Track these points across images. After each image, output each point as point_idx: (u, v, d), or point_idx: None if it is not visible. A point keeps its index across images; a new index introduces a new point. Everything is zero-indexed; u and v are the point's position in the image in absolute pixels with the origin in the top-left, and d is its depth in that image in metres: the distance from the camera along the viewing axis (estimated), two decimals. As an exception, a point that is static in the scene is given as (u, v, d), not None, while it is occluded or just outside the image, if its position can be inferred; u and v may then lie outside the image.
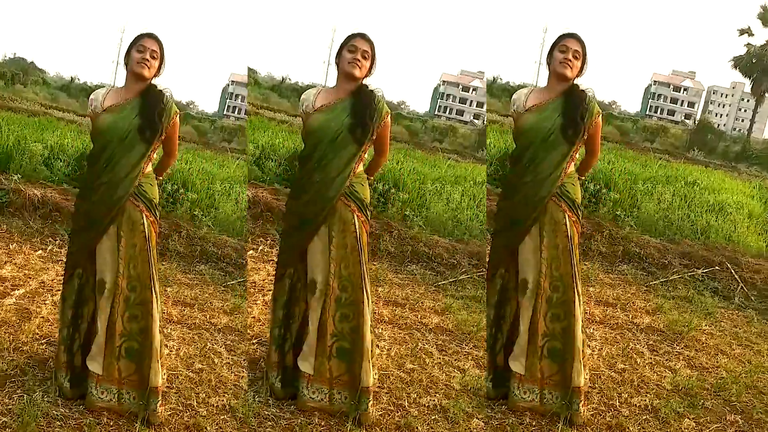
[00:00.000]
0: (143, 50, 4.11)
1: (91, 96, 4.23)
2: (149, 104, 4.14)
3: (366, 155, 4.37)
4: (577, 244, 4.41)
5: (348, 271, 4.26)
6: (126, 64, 4.18)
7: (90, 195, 4.16)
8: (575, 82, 4.38)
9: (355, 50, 4.25)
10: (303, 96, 4.40)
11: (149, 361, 4.06)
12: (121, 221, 4.08)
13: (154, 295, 4.08)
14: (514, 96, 4.52)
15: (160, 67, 4.18)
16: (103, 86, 4.26)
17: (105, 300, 4.08)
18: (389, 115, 4.36)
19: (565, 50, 4.34)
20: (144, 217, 4.11)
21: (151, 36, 4.18)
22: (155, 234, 4.21)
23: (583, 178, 4.67)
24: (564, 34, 4.40)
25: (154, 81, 4.18)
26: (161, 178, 4.47)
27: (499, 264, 4.49)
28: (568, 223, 4.36)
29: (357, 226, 4.26)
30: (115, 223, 4.08)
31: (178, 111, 4.23)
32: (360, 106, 4.28)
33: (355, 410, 4.21)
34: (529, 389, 4.44)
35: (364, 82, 4.32)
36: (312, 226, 4.27)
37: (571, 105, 4.35)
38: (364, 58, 4.26)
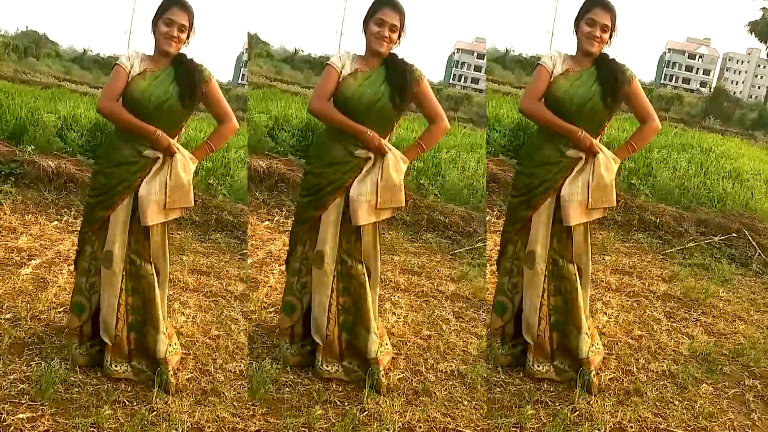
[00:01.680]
0: (170, 24, 3.99)
1: (122, 57, 4.03)
2: (185, 71, 4.05)
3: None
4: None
5: (349, 245, 4.26)
6: (153, 32, 4.06)
7: (113, 163, 4.04)
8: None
9: (382, 24, 4.11)
10: (336, 55, 4.23)
11: (154, 332, 4.08)
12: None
13: (154, 268, 4.11)
14: (551, 53, 4.30)
15: (188, 37, 4.08)
16: (116, 57, 4.16)
17: (111, 272, 4.07)
18: (424, 79, 4.26)
19: (592, 24, 4.16)
20: None
21: (179, 5, 4.03)
22: None
23: (637, 149, 4.55)
24: (593, 1, 4.19)
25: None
26: (220, 147, 4.42)
27: (512, 233, 4.44)
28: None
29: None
30: (131, 195, 4.05)
31: (211, 75, 4.15)
32: (396, 73, 4.16)
33: (370, 378, 4.21)
34: (541, 362, 4.44)
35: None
36: (328, 196, 4.22)
37: (606, 71, 4.20)
38: (392, 31, 4.13)
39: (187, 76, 4.05)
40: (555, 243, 4.34)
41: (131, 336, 4.14)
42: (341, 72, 4.16)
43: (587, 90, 4.18)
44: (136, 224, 4.05)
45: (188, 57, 4.11)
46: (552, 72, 4.22)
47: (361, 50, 4.24)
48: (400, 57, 4.22)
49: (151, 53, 4.08)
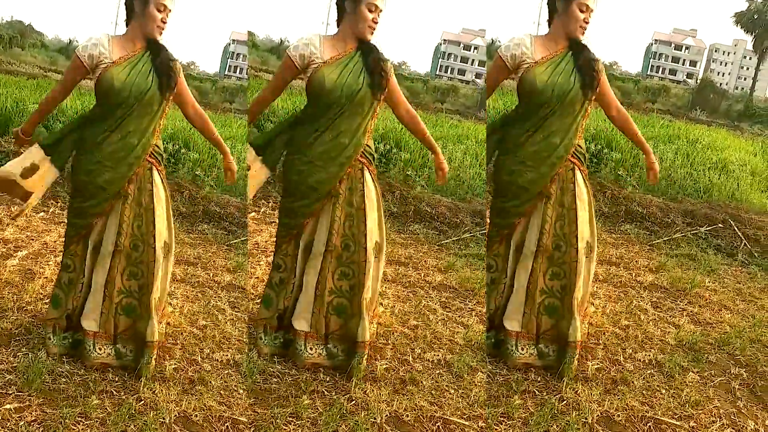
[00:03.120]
0: (163, 10, 3.91)
1: (90, 43, 3.93)
2: (161, 58, 3.96)
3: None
4: (590, 201, 4.35)
5: (352, 230, 4.22)
6: (133, 10, 3.94)
7: (97, 157, 3.98)
8: None
9: (374, 10, 4.02)
10: (302, 41, 4.08)
11: (147, 317, 4.06)
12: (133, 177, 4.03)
13: (157, 254, 4.06)
14: (515, 40, 4.20)
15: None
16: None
17: (104, 258, 4.05)
18: (393, 74, 4.21)
19: (586, 10, 4.11)
20: (156, 172, 4.07)
21: None
22: (166, 189, 4.16)
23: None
24: None
25: None
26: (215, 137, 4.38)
27: (500, 226, 4.42)
28: (579, 179, 4.29)
29: (366, 183, 4.18)
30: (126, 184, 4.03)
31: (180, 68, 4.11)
32: (372, 60, 4.07)
33: (349, 363, 4.23)
34: (526, 345, 4.44)
35: None
36: (323, 191, 4.17)
37: (584, 59, 4.15)
38: (378, 14, 4.05)
39: (166, 64, 3.97)
40: (558, 227, 4.32)
41: (120, 319, 4.11)
42: (307, 62, 4.07)
43: (568, 78, 4.14)
44: (137, 208, 4.03)
45: (163, 45, 4.01)
46: (518, 58, 4.19)
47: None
48: (374, 44, 4.13)
49: (118, 33, 4.01)
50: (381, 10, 4.05)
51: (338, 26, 4.16)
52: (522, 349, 4.44)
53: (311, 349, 4.32)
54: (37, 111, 4.30)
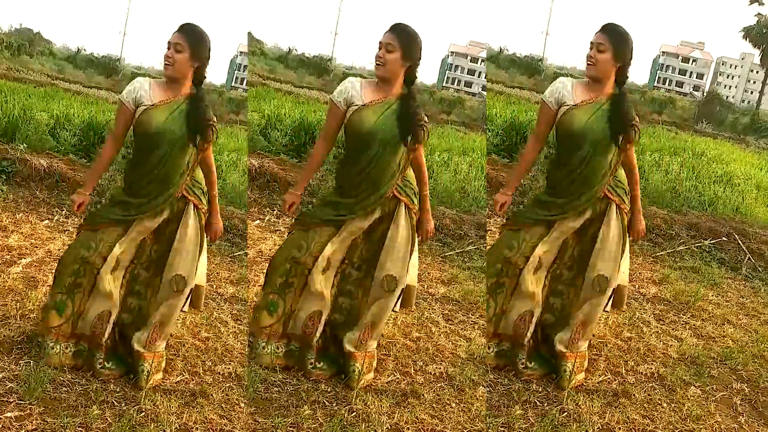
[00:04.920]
0: (168, 47, 4.00)
1: (132, 87, 4.07)
2: (198, 111, 4.06)
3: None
4: (621, 238, 4.37)
5: (369, 253, 4.32)
6: None
7: (135, 192, 4.08)
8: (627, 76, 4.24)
9: (380, 47, 4.13)
10: (345, 85, 4.24)
11: (135, 329, 4.13)
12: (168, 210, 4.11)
13: (162, 285, 4.11)
14: (558, 84, 4.29)
15: (197, 57, 4.03)
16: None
17: (116, 273, 4.11)
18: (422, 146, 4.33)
19: (591, 46, 4.17)
20: (192, 207, 4.14)
21: (180, 29, 4.03)
22: (201, 229, 4.22)
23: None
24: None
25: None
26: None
27: (508, 242, 4.43)
28: (613, 214, 4.32)
29: (401, 216, 4.27)
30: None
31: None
32: (408, 116, 4.17)
33: (346, 371, 4.30)
34: (527, 359, 4.50)
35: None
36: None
37: (620, 111, 4.20)
38: (387, 51, 4.10)
39: (202, 120, 4.07)
40: (576, 252, 4.38)
41: (115, 334, 4.18)
42: (348, 107, 4.18)
43: (603, 126, 4.18)
44: (156, 234, 4.12)
45: (203, 98, 4.10)
46: (558, 101, 4.25)
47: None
48: (417, 103, 4.22)
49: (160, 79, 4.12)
50: (385, 44, 4.12)
51: None
52: (529, 363, 4.50)
53: (319, 362, 4.38)
54: (93, 171, 4.34)
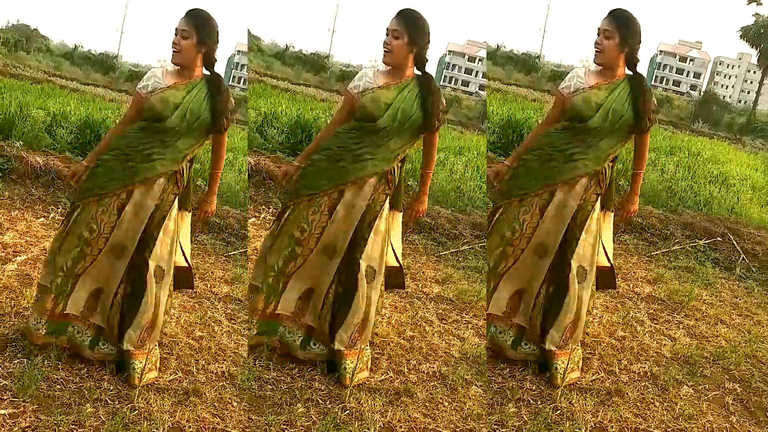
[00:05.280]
0: (175, 34, 4.03)
1: (149, 73, 4.11)
2: (220, 94, 4.11)
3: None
4: (600, 229, 4.41)
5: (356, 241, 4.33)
6: None
7: (129, 157, 4.06)
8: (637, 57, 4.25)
9: (387, 33, 4.17)
10: (359, 75, 4.27)
11: (129, 321, 4.15)
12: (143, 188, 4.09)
13: (149, 262, 4.11)
14: (572, 73, 4.33)
15: (204, 42, 4.06)
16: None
17: (121, 263, 4.14)
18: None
19: (598, 33, 4.21)
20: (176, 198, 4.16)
21: (186, 14, 4.05)
22: (182, 217, 4.26)
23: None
24: None
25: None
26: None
27: (504, 223, 4.45)
28: (597, 207, 4.35)
29: (373, 197, 4.31)
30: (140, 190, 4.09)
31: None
32: (429, 94, 4.25)
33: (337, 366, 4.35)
34: (528, 342, 4.58)
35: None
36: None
37: (641, 97, 4.23)
38: (395, 37, 4.14)
39: (222, 105, 4.11)
40: (551, 231, 4.40)
41: (117, 319, 4.19)
42: (360, 90, 4.21)
43: (622, 108, 4.21)
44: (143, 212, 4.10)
45: (221, 81, 4.14)
46: (570, 89, 4.28)
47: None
48: (435, 85, 4.29)
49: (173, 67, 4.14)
50: (391, 30, 4.17)
51: None
52: (525, 346, 4.57)
53: (316, 345, 4.45)
54: (99, 147, 4.26)
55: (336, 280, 4.38)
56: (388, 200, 4.34)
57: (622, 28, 4.16)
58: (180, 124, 4.03)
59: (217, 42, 4.12)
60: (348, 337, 4.31)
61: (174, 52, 4.04)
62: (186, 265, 4.36)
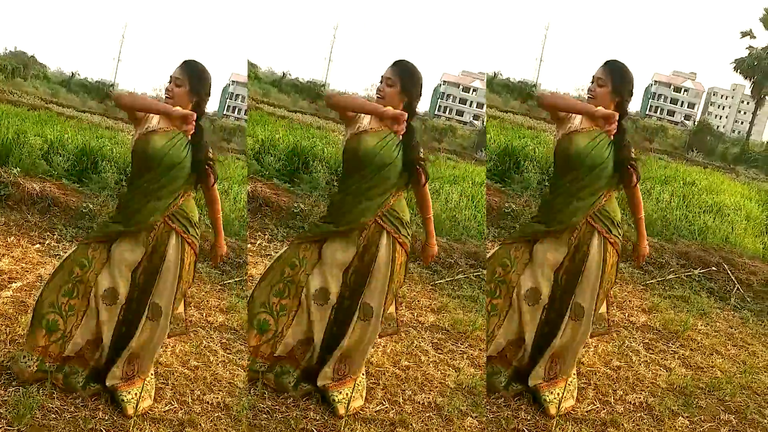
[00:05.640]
0: (170, 81, 4.10)
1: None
2: (200, 144, 4.15)
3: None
4: (601, 269, 4.41)
5: (357, 283, 4.33)
6: None
7: (122, 209, 4.16)
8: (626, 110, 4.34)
9: (381, 80, 4.26)
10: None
11: (112, 360, 4.14)
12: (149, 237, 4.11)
13: (146, 310, 4.12)
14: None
15: (197, 93, 4.13)
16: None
17: (114, 308, 4.12)
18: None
19: (592, 80, 4.30)
20: (175, 236, 4.16)
21: (181, 64, 4.12)
22: (184, 260, 4.25)
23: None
24: None
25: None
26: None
27: (505, 265, 4.47)
28: (594, 244, 4.37)
29: (385, 245, 4.29)
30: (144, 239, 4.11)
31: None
32: (410, 149, 4.27)
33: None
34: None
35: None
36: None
37: (622, 146, 4.32)
38: (388, 85, 4.22)
39: (201, 151, 4.15)
40: (562, 279, 4.40)
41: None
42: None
43: (603, 155, 4.27)
44: (146, 263, 4.11)
45: (204, 135, 4.19)
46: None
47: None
48: (415, 138, 4.30)
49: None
50: (386, 78, 4.25)
51: None
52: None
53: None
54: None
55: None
56: (386, 238, 4.33)
57: (614, 78, 4.26)
58: (159, 171, 4.05)
59: (209, 94, 4.20)
60: (332, 371, 4.31)
61: (167, 98, 4.11)
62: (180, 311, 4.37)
